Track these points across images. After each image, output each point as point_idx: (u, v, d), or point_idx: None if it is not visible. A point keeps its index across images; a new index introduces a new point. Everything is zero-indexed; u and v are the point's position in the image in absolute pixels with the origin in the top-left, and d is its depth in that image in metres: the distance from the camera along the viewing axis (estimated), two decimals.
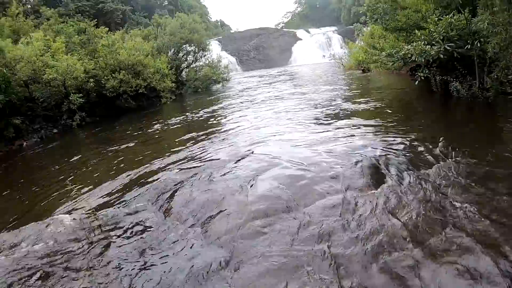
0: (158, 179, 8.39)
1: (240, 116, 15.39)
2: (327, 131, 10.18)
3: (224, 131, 12.88)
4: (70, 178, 11.25)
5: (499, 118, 10.16)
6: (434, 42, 11.26)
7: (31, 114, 23.72)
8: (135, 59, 24.74)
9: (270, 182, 6.72)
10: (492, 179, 5.85)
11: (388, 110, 12.32)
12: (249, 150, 9.30)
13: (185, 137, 13.07)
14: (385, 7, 14.85)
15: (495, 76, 10.91)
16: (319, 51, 61.17)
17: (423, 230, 4.76)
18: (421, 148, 7.76)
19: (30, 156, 18.41)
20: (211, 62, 34.53)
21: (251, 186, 6.72)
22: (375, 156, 7.46)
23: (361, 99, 14.77)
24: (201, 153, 10.07)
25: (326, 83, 23.20)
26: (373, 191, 5.98)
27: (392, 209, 5.39)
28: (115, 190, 8.45)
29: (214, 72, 33.28)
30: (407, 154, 7.52)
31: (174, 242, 5.39)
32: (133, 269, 4.78)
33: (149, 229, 5.86)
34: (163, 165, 9.65)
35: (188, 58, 35.01)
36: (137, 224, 6.07)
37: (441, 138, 8.09)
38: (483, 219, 4.75)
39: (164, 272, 4.65)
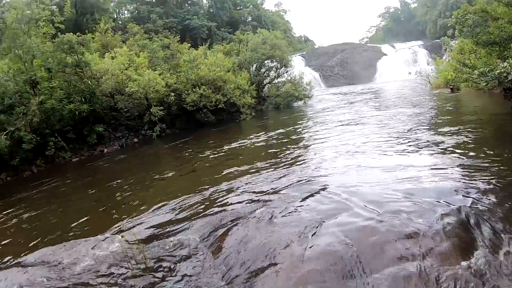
0: (216, 209, 7.67)
1: (317, 140, 14.04)
2: (409, 167, 8.59)
3: (298, 156, 11.67)
4: (137, 190, 11.38)
5: None
6: None
7: (115, 123, 24.66)
8: (215, 74, 24.63)
9: (335, 233, 5.49)
10: None
11: (481, 144, 10.14)
12: (319, 184, 8.13)
13: (256, 160, 12.22)
14: (474, 18, 13.01)
15: None
16: (405, 67, 57.71)
17: None
18: None
19: (108, 163, 18.90)
20: (293, 78, 33.48)
21: (313, 235, 5.56)
22: (464, 208, 5.80)
23: (450, 128, 12.62)
24: (269, 182, 9.10)
25: (412, 105, 20.85)
26: (459, 263, 4.48)
27: None
28: (174, 213, 8.09)
29: (295, 88, 32.22)
30: (506, 208, 5.86)
31: None
32: None
33: (192, 271, 5.18)
34: (228, 191, 8.97)
35: (270, 74, 34.33)
36: (182, 260, 5.50)
37: None
38: None
39: None
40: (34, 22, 21.12)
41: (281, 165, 10.72)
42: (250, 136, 18.24)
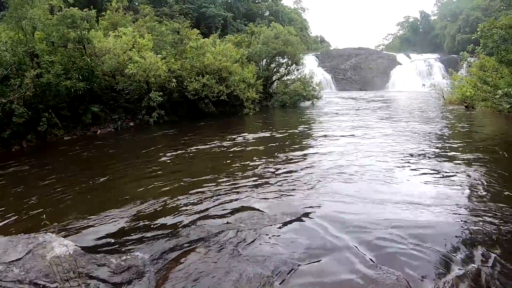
0: (181, 220, 6.64)
1: (316, 151, 12.48)
2: (415, 201, 7.07)
3: (290, 166, 10.36)
4: (109, 182, 10.44)
5: None
6: None
7: (113, 104, 23.64)
8: (220, 64, 23.40)
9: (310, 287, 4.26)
10: None
11: (504, 180, 8.44)
12: (305, 207, 6.93)
13: (245, 163, 11.13)
14: (501, 33, 11.71)
15: None
16: (419, 78, 56.23)
17: None
18: None
19: (97, 145, 17.93)
20: (303, 77, 32.05)
21: (281, 283, 4.38)
22: (485, 270, 4.56)
23: (465, 155, 10.92)
24: (250, 193, 7.97)
25: (423, 120, 19.10)
26: None
27: None
28: (134, 219, 6.96)
29: (304, 88, 30.86)
30: None
31: None
32: None
33: None
34: (202, 198, 7.90)
35: (280, 70, 32.93)
36: (123, 285, 4.54)
37: None
38: None
39: None
40: None
41: (269, 174, 9.54)
42: (247, 134, 17.12)
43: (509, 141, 13.84)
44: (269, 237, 5.57)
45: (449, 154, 11.22)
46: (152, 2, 58.00)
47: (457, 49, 60.30)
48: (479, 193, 7.55)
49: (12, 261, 4.81)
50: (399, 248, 5.12)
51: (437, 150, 11.79)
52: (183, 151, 14.04)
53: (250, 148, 13.94)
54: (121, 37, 22.67)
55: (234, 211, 6.83)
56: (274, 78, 32.84)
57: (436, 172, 9.13)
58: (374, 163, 10.21)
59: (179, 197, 8.04)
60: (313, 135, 16.50)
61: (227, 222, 6.29)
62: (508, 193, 7.47)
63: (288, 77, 32.68)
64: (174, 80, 22.65)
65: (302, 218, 6.34)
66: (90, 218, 7.10)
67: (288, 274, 4.52)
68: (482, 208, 6.62)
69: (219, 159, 12.43)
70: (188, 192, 8.41)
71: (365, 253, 4.97)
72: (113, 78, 22.65)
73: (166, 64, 22.58)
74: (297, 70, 32.74)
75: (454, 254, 4.94)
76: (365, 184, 8.33)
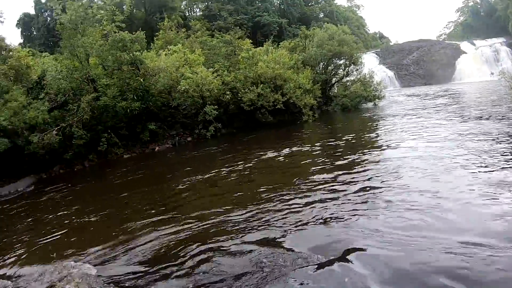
0: (205, 253, 5.96)
1: (378, 167, 10.14)
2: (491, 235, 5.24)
3: (344, 186, 8.68)
4: (158, 205, 9.98)
5: None
6: None
7: (171, 121, 23.62)
8: (274, 72, 22.30)
9: None
10: None
11: None
12: (357, 243, 5.54)
13: (295, 178, 10.07)
14: None
15: None
16: (486, 66, 51.19)
17: None
18: None
19: (154, 162, 18.17)
20: (362, 77, 29.96)
21: None
22: None
23: None
24: (291, 218, 6.96)
25: (497, 118, 15.48)
26: None
27: None
28: (165, 249, 6.55)
29: (365, 88, 28.69)
30: None
31: None
32: None
33: None
34: (240, 222, 7.14)
35: (339, 72, 31.01)
36: None
37: None
38: None
39: None
40: (88, 23, 20.84)
41: (318, 196, 8.14)
42: (305, 144, 15.86)
43: None
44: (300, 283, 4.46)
45: None
46: (207, 17, 58.94)
47: None
48: None
49: None
50: None
51: None
52: (237, 166, 13.15)
53: (308, 160, 12.63)
54: (171, 54, 22.70)
55: (267, 244, 5.80)
56: (333, 81, 31.04)
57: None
58: (456, 178, 7.99)
59: (228, 217, 7.45)
60: (377, 143, 14.16)
61: (258, 254, 5.34)
62: None
63: (348, 78, 30.71)
64: (228, 92, 22.09)
65: (342, 258, 5.05)
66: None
67: None
68: None
69: (273, 173, 11.50)
70: (235, 211, 7.84)
71: None
72: (169, 95, 22.58)
73: (219, 77, 22.09)
74: (356, 70, 30.66)
75: None
76: (435, 216, 6.24)
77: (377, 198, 7.48)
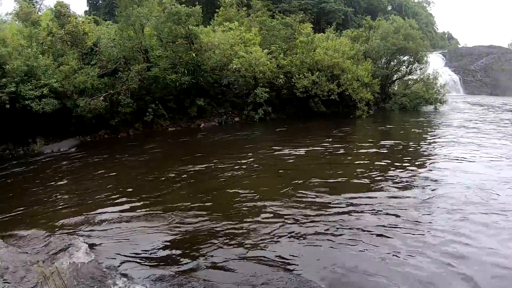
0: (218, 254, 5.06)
1: (441, 182, 8.57)
2: None
3: (392, 209, 7.21)
4: (191, 182, 9.70)
5: None
6: None
7: (221, 98, 22.97)
8: (331, 60, 20.77)
9: None
10: None
11: None
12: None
13: (341, 179, 8.69)
14: None
15: None
16: None
17: None
18: None
19: (197, 139, 17.56)
20: (426, 77, 27.47)
21: None
22: None
23: None
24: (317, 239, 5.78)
25: None
26: None
27: None
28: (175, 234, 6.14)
29: (426, 90, 25.95)
30: None
31: None
32: None
33: None
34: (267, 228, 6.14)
35: (401, 69, 28.62)
36: None
37: None
38: None
39: None
40: None
41: (366, 206, 6.98)
42: (353, 144, 14.40)
43: None
44: None
45: None
46: None
47: None
48: None
49: None
50: None
51: None
52: (275, 154, 12.26)
53: (351, 164, 11.22)
54: (227, 31, 21.92)
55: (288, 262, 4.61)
56: (394, 77, 28.72)
57: None
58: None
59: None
60: (429, 157, 11.77)
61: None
62: None
63: (410, 76, 28.27)
64: (282, 76, 20.90)
65: None
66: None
67: None
68: None
69: (308, 171, 10.17)
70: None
71: None
72: (221, 73, 21.83)
73: (274, 60, 21.02)
74: (420, 69, 28.13)
75: None
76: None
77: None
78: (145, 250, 5.77)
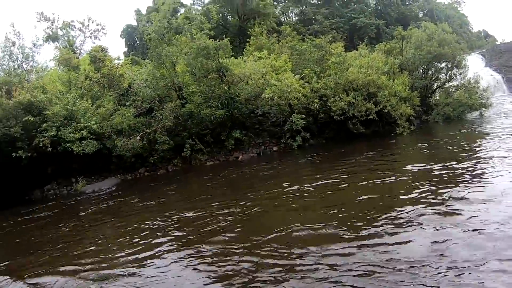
0: None
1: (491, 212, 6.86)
2: None
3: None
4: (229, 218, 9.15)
5: None
6: None
7: (258, 128, 22.60)
8: (366, 78, 19.87)
9: None
10: None
11: None
12: None
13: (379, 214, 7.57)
14: None
15: None
16: None
17: None
18: None
19: (237, 171, 17.10)
20: (467, 82, 25.41)
21: None
22: None
23: None
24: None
25: None
26: None
27: None
28: None
29: (469, 96, 23.72)
30: None
31: None
32: None
33: None
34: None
35: (440, 77, 26.78)
36: None
37: None
38: None
39: None
40: (173, 32, 21.40)
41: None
42: (393, 168, 12.59)
43: None
44: None
45: None
46: (302, 21, 57.25)
47: None
48: None
49: None
50: None
51: None
52: (314, 186, 11.26)
53: (391, 194, 9.67)
54: (257, 61, 21.79)
55: None
56: (434, 86, 26.69)
57: None
58: None
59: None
60: (483, 178, 9.36)
61: None
62: None
63: (450, 83, 26.36)
64: (316, 100, 20.14)
65: None
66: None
67: None
68: None
69: (344, 205, 8.84)
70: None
71: None
72: (256, 103, 21.38)
73: (307, 84, 20.43)
74: (460, 74, 26.23)
75: None
76: None
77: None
78: None
